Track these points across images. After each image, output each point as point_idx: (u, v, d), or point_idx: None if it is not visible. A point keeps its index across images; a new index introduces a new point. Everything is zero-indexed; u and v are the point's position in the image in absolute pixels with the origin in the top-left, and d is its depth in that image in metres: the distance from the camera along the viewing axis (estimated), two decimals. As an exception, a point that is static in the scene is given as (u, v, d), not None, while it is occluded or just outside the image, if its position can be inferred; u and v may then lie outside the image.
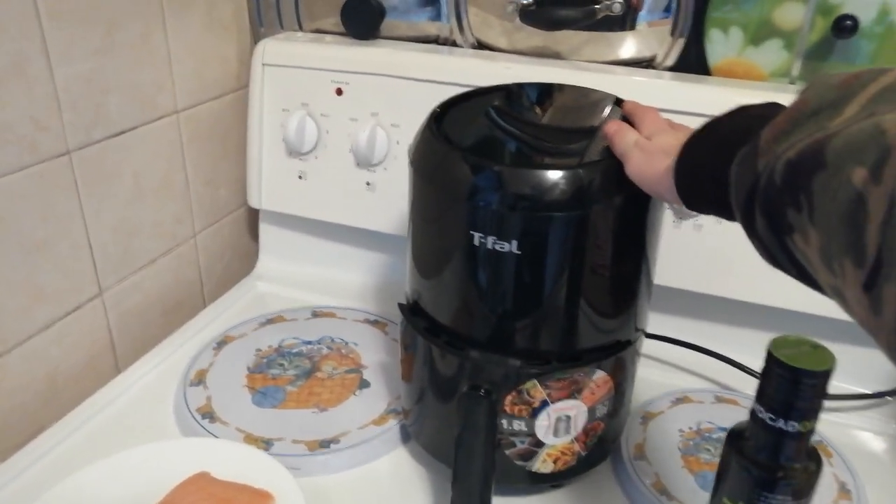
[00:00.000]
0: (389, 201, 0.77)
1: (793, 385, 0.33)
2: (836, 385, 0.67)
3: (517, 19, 0.71)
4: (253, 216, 0.89)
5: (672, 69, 0.71)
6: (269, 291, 0.84)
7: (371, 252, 0.83)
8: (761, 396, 0.35)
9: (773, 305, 0.67)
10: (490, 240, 0.46)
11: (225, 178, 0.84)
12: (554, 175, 0.45)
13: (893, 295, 0.22)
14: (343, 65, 0.74)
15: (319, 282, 0.84)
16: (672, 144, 0.41)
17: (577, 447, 0.53)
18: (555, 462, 0.53)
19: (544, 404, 0.50)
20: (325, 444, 0.60)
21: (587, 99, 0.57)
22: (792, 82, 0.68)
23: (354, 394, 0.66)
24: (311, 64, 0.76)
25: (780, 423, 0.34)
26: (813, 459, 0.35)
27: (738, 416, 0.65)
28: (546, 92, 0.58)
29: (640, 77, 0.69)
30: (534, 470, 0.53)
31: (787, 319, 0.68)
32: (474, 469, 0.47)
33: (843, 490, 0.58)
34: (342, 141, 0.77)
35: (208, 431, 0.60)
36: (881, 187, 0.22)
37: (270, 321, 0.77)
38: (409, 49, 0.75)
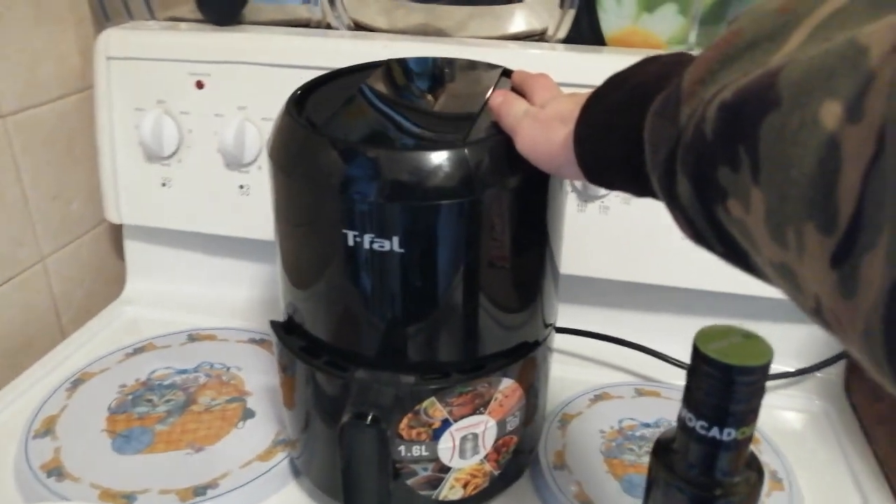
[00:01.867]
0: (267, 204, 0.68)
1: (727, 385, 0.28)
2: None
3: (395, -6, 0.64)
4: (116, 232, 0.78)
5: (565, 41, 0.65)
6: (139, 317, 0.74)
7: (251, 263, 0.75)
8: (690, 402, 0.29)
9: (689, 287, 0.63)
10: (367, 238, 0.39)
11: (76, 191, 0.73)
12: (436, 157, 0.38)
13: (875, 269, 0.16)
14: (202, 54, 0.65)
15: (197, 301, 0.74)
16: (569, 109, 0.35)
17: (488, 467, 0.47)
18: (465, 487, 0.47)
19: (446, 424, 0.43)
20: (200, 490, 0.51)
21: (473, 73, 0.50)
22: (690, 49, 0.64)
23: (237, 426, 0.58)
24: (164, 55, 0.66)
25: (715, 432, 0.29)
26: (753, 468, 0.30)
27: (660, 409, 0.61)
28: (426, 67, 0.51)
29: (532, 50, 0.63)
30: (441, 498, 0.46)
31: (703, 301, 0.65)
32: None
33: (775, 479, 0.54)
34: (208, 140, 0.68)
35: (54, 493, 0.50)
36: (861, 125, 0.16)
37: (139, 351, 0.67)
38: (277, 33, 0.67)
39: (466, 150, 0.39)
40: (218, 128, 0.67)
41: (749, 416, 0.28)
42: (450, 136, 0.41)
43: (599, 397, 0.62)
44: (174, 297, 0.75)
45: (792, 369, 0.63)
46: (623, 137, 0.29)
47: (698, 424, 0.29)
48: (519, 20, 0.65)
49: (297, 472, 0.54)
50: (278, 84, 0.64)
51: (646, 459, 0.55)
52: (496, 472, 0.47)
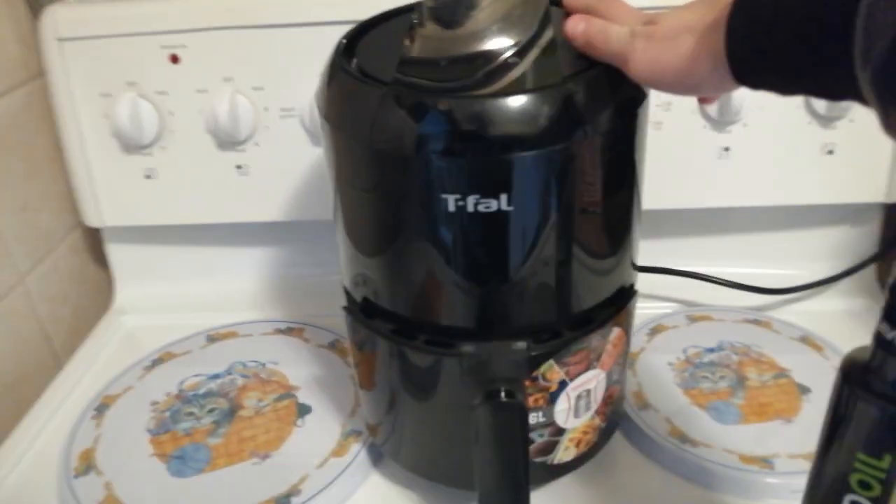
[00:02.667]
0: (269, 183, 0.63)
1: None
2: (796, 274, 0.64)
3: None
4: (92, 238, 0.70)
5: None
6: (140, 325, 0.68)
7: (256, 248, 0.69)
8: (893, 318, 0.28)
9: (713, 206, 0.62)
10: (471, 200, 0.35)
11: (43, 198, 0.65)
12: (541, 99, 0.34)
13: None
14: (173, 23, 0.58)
15: (202, 298, 0.68)
16: (695, 18, 0.32)
17: (597, 421, 0.45)
18: (577, 446, 0.44)
19: (562, 385, 0.41)
20: (283, 501, 0.47)
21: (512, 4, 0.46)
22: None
23: (297, 425, 0.53)
24: (128, 29, 0.58)
25: (922, 346, 0.27)
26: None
27: (716, 332, 0.60)
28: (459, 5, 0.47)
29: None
30: (556, 462, 0.44)
31: (727, 217, 0.64)
32: (507, 492, 0.37)
33: (848, 381, 0.55)
34: (193, 121, 0.61)
35: (124, 534, 0.45)
36: None
37: (157, 363, 0.61)
38: (256, -11, 0.60)
39: (571, 87, 0.35)
40: (203, 105, 0.60)
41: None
42: (546, 77, 0.36)
43: (655, 330, 0.61)
44: (174, 298, 0.68)
45: (834, 273, 0.63)
46: (808, 20, 0.26)
47: (908, 342, 0.28)
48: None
49: (376, 458, 0.51)
50: (269, 47, 0.58)
51: (722, 385, 0.55)
52: (603, 425, 0.46)
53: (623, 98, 0.37)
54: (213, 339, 0.63)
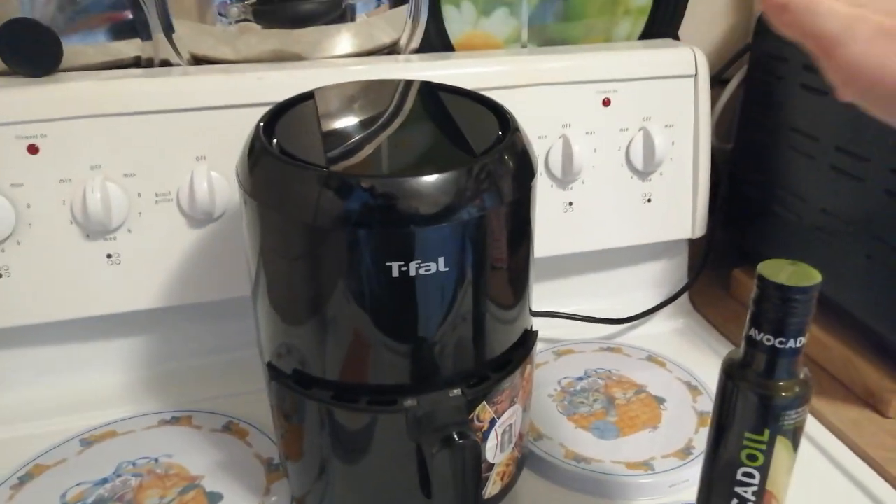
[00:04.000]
0: (142, 269, 0.61)
1: (789, 303, 0.35)
2: (631, 302, 0.75)
3: (244, 22, 0.61)
4: (-81, 351, 0.62)
5: (418, 51, 0.69)
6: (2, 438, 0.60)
7: (127, 339, 0.65)
8: (758, 322, 0.36)
9: (561, 253, 0.71)
10: (413, 265, 0.39)
11: None
12: (467, 173, 0.40)
13: None
14: (32, 112, 0.55)
15: (69, 400, 0.63)
16: None
17: (516, 453, 0.50)
18: (501, 479, 0.49)
19: (492, 423, 0.45)
20: (219, 593, 0.46)
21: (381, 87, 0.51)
22: (523, 45, 0.72)
23: (210, 516, 0.52)
24: (-25, 120, 0.55)
25: (789, 343, 0.36)
26: (804, 365, 0.38)
27: (581, 362, 0.69)
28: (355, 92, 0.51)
29: (394, 64, 0.65)
30: (487, 496, 0.48)
31: (573, 261, 0.74)
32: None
33: (690, 387, 0.65)
34: (56, 212, 0.57)
35: None
36: None
37: (26, 478, 0.55)
38: (123, 76, 0.59)
39: (492, 159, 0.41)
40: (67, 195, 0.57)
41: (807, 325, 0.36)
42: (461, 153, 0.42)
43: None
44: (35, 404, 0.62)
45: (657, 303, 0.75)
46: None
47: (776, 341, 0.36)
48: (370, 35, 0.67)
49: (304, 533, 0.51)
50: (136, 134, 0.58)
51: (596, 407, 0.62)
52: (519, 457, 0.51)
53: (522, 172, 0.43)
54: (88, 442, 0.59)
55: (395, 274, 0.39)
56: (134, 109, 0.57)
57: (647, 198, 0.71)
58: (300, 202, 0.39)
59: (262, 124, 0.43)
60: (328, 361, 0.43)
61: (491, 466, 0.47)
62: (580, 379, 0.66)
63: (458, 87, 0.50)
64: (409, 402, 0.42)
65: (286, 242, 0.41)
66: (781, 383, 0.38)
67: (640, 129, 0.69)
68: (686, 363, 0.68)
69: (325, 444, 0.45)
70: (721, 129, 0.81)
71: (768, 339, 0.37)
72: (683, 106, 0.70)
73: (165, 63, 0.63)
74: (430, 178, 0.38)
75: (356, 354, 0.42)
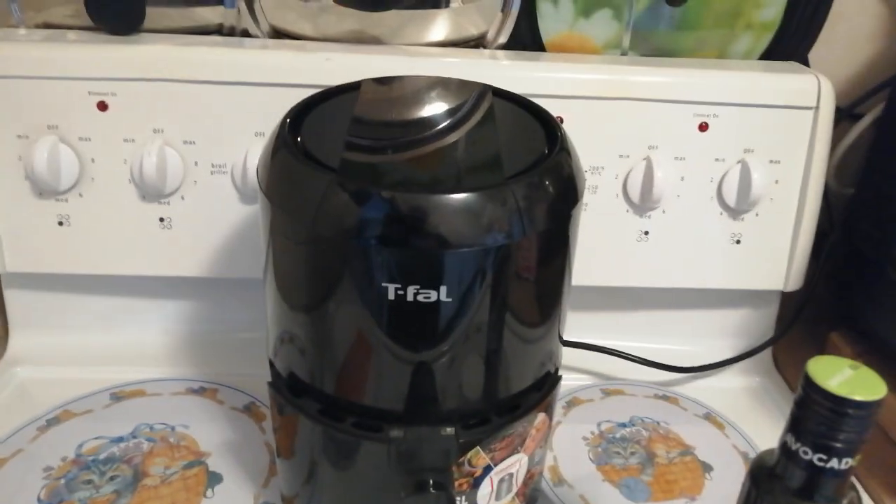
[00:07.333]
0: (192, 237, 0.61)
1: (839, 417, 0.29)
2: (701, 350, 0.68)
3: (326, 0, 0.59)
4: (-10, 282, 0.66)
5: (505, 47, 0.64)
6: (35, 378, 0.63)
7: (170, 302, 0.66)
8: (799, 430, 0.30)
9: (630, 285, 0.65)
10: (411, 290, 0.35)
11: (-61, 239, 0.60)
12: (485, 198, 0.35)
13: None
14: (105, 70, 0.56)
15: (108, 352, 0.64)
16: None
17: (517, 502, 0.45)
18: (496, 527, 0.45)
19: (487, 470, 0.41)
20: (189, 581, 0.45)
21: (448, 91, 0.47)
22: (623, 53, 0.65)
23: (205, 496, 0.51)
24: (54, 72, 0.56)
25: (823, 461, 0.29)
26: (853, 489, 0.32)
27: (628, 407, 0.63)
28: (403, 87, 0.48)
29: (478, 59, 0.61)
30: (477, 543, 0.44)
31: (643, 296, 0.67)
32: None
33: (748, 459, 0.58)
34: (117, 170, 0.58)
35: None
36: None
37: (53, 422, 0.57)
38: (197, 44, 0.59)
39: (513, 188, 0.36)
40: (129, 155, 0.58)
41: (860, 445, 0.30)
42: (488, 174, 0.38)
43: (571, 403, 0.63)
44: (76, 350, 0.65)
45: (732, 355, 0.67)
46: None
47: (809, 453, 0.30)
48: (457, 25, 0.63)
49: (290, 536, 0.49)
50: (203, 102, 0.57)
51: (632, 461, 0.56)
52: (523, 501, 0.46)
53: (560, 199, 0.38)
54: (117, 397, 0.60)
55: (391, 297, 0.35)
56: (201, 78, 0.56)
57: (735, 238, 0.63)
58: (300, 202, 0.36)
59: (288, 119, 0.41)
60: (321, 372, 0.41)
61: (483, 513, 0.43)
62: (622, 426, 0.60)
63: (516, 95, 0.46)
64: (395, 433, 0.39)
65: (285, 240, 0.38)
66: None
67: (738, 162, 0.61)
68: (748, 429, 0.61)
69: (312, 451, 0.43)
70: (843, 171, 0.71)
71: (805, 452, 0.30)
72: (796, 141, 0.61)
73: (246, 33, 0.63)
74: (439, 198, 0.34)
75: (348, 369, 0.39)
